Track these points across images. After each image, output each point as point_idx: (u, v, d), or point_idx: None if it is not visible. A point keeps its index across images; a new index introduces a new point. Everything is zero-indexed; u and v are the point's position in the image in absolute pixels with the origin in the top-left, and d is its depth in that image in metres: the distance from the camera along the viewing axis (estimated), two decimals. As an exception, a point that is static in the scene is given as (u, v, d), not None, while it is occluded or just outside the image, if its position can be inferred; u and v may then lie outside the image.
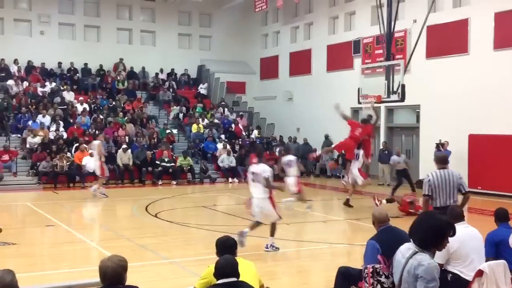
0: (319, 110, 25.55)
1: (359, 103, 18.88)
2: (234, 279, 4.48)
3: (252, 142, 24.87)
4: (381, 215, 5.80)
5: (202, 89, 29.36)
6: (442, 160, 8.04)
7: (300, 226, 12.80)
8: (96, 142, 17.50)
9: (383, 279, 4.83)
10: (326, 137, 24.89)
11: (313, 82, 26.45)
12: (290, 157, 14.58)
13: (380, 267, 4.88)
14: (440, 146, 19.08)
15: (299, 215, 14.44)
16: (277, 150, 23.85)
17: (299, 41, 27.86)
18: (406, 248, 4.31)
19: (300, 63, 27.36)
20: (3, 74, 25.24)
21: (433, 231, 4.19)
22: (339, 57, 24.93)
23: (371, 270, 4.92)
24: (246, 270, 4.98)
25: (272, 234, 9.71)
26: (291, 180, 14.29)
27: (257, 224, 9.66)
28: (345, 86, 23.45)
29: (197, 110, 26.93)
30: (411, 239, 4.31)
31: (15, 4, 26.89)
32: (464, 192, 7.80)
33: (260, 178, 9.42)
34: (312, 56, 26.76)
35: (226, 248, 5.22)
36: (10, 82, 24.69)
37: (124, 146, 21.49)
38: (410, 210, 13.49)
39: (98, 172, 17.19)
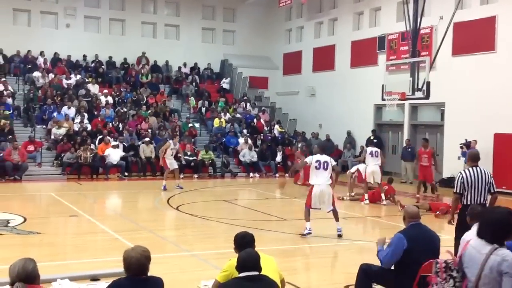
0: (341, 106, 25.43)
1: (383, 99, 18.75)
2: (256, 272, 4.51)
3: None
4: (413, 211, 5.95)
5: (225, 83, 29.40)
6: (474, 157, 7.86)
7: (321, 222, 12.76)
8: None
9: (454, 273, 4.86)
10: (348, 133, 24.78)
11: (336, 78, 26.30)
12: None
13: (451, 262, 4.90)
14: (465, 146, 18.63)
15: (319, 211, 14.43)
16: (299, 146, 23.79)
17: (323, 36, 27.71)
18: (480, 244, 4.37)
19: (324, 59, 27.21)
20: (30, 66, 25.58)
21: (502, 224, 4.28)
22: (363, 53, 24.74)
23: (443, 265, 4.94)
24: (267, 264, 5.00)
25: (337, 219, 10.55)
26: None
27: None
28: (369, 83, 23.28)
29: (219, 104, 26.99)
30: (481, 238, 4.38)
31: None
32: (493, 192, 7.66)
33: (328, 166, 10.39)
34: (336, 52, 26.59)
35: (244, 243, 5.25)
36: (36, 74, 25.02)
37: (147, 139, 21.66)
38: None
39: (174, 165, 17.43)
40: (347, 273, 7.57)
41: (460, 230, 6.70)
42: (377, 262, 5.95)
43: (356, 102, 24.61)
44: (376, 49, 23.87)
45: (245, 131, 24.97)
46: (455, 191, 7.61)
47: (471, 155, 8.03)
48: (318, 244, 10.38)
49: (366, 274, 5.85)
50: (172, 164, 17.38)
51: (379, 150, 15.84)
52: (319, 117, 26.86)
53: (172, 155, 17.31)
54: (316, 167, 10.40)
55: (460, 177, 7.56)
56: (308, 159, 10.66)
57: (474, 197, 7.49)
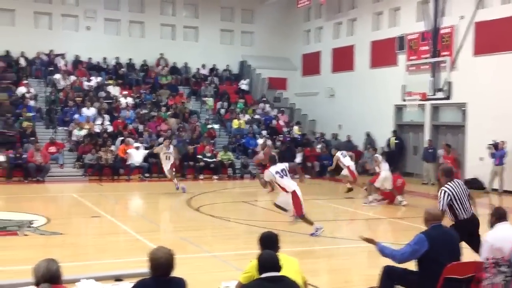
0: (361, 107, 25.30)
1: (404, 100, 18.63)
2: (277, 273, 4.52)
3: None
4: (435, 213, 5.97)
5: (244, 84, 29.44)
6: (449, 173, 7.60)
7: (342, 224, 12.74)
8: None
9: (504, 269, 4.96)
10: (368, 134, 24.64)
11: (355, 78, 26.18)
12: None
13: (500, 258, 5.00)
14: (493, 147, 18.36)
15: (341, 212, 14.40)
16: (319, 146, 23.73)
17: (342, 37, 27.61)
18: None
19: (343, 59, 27.12)
20: (51, 69, 25.90)
21: None
22: (382, 54, 24.59)
23: (492, 261, 5.04)
24: (289, 266, 5.01)
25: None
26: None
27: None
28: (389, 83, 23.14)
29: (238, 105, 27.05)
30: None
31: (62, 0, 27.53)
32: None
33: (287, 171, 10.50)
34: (355, 52, 26.48)
35: (270, 243, 5.25)
36: (58, 76, 25.33)
37: (165, 140, 21.72)
38: None
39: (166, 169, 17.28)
40: (367, 275, 7.53)
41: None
42: (399, 264, 5.92)
43: (376, 102, 24.47)
44: (396, 49, 23.71)
45: (264, 132, 24.98)
46: (441, 208, 7.11)
47: (446, 171, 7.69)
48: (337, 246, 10.35)
49: (389, 276, 5.82)
50: (165, 167, 17.13)
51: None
52: (339, 118, 26.76)
53: (167, 159, 16.98)
54: (280, 177, 10.37)
55: (447, 194, 7.22)
56: (268, 176, 10.53)
57: (465, 209, 7.32)
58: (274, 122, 26.34)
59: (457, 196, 7.25)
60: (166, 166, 17.05)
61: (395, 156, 22.15)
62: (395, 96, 22.34)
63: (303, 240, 10.32)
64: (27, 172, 19.10)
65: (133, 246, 9.84)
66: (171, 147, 17.65)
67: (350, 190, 16.56)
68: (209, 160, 21.64)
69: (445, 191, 7.24)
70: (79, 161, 20.60)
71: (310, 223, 10.50)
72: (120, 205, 15.60)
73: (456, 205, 7.24)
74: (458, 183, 7.47)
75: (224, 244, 10.20)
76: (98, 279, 6.81)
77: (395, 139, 22.39)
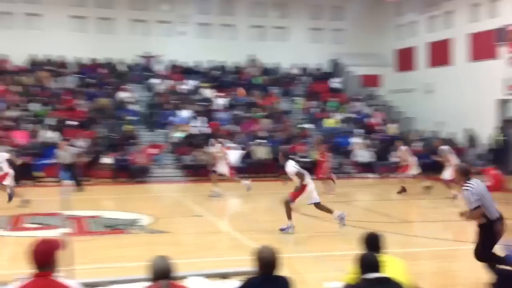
0: (461, 102, 24.29)
1: (507, 94, 17.72)
2: (382, 274, 4.48)
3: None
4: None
5: (336, 83, 29.20)
6: (466, 172, 7.15)
7: (444, 225, 12.33)
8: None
9: None
10: (469, 131, 23.59)
11: (453, 73, 25.20)
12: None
13: None
14: None
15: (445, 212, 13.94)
16: (418, 144, 23.05)
17: (437, 30, 26.66)
18: None
19: (439, 53, 26.20)
20: (149, 73, 27.05)
21: None
22: (482, 46, 23.50)
23: None
24: (395, 267, 4.95)
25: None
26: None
27: None
28: (490, 77, 22.10)
29: (330, 104, 26.86)
30: None
31: (158, 6, 28.68)
32: None
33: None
34: (452, 46, 25.50)
35: (374, 244, 5.22)
36: (155, 80, 26.39)
37: (260, 140, 22.06)
38: None
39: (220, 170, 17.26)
40: (475, 278, 7.26)
41: (491, 242, 6.70)
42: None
43: (476, 97, 23.40)
44: (496, 42, 22.56)
45: (358, 130, 24.63)
46: (474, 207, 6.75)
47: (462, 170, 7.18)
48: (442, 248, 10.00)
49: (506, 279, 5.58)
50: (221, 168, 16.88)
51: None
52: (438, 114, 25.79)
53: (223, 159, 16.87)
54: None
55: (471, 193, 6.78)
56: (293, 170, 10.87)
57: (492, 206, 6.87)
58: (368, 120, 25.89)
59: None
60: (222, 166, 16.91)
61: (503, 153, 21.04)
62: (497, 90, 21.29)
63: (404, 242, 10.10)
64: (130, 173, 20.05)
65: (234, 244, 10.05)
66: (220, 147, 17.55)
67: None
68: (301, 160, 21.62)
69: None
70: (178, 162, 21.33)
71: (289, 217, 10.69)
72: (220, 205, 15.93)
73: None
74: None
75: (325, 244, 10.15)
76: (206, 276, 6.99)
77: (503, 136, 21.27)
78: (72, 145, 18.87)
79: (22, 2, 26.59)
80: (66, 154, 17.39)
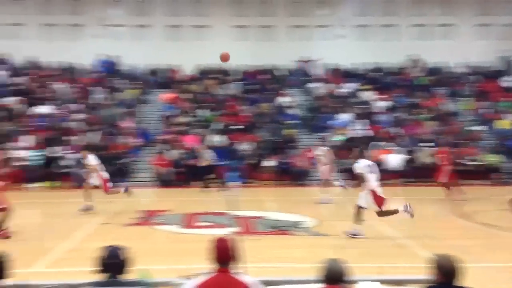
0: None
1: None
2: None
3: None
4: None
5: (508, 81, 27.03)
6: None
7: None
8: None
9: None
10: None
11: None
12: None
13: None
14: None
15: None
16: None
17: None
18: None
19: None
20: (307, 78, 27.34)
21: None
22: None
23: None
24: None
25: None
26: None
27: None
28: None
29: (502, 104, 24.92)
30: None
31: (317, 11, 28.90)
32: None
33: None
34: None
35: None
36: (314, 84, 26.58)
37: (425, 143, 21.17)
38: None
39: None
40: None
41: None
42: None
43: None
44: None
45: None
46: None
47: None
48: None
49: None
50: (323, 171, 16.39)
51: None
52: None
53: (328, 163, 16.37)
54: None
55: None
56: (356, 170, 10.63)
57: None
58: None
59: None
60: (323, 169, 16.51)
61: None
62: None
63: None
64: (292, 175, 20.40)
65: (400, 251, 9.68)
66: (324, 149, 16.96)
67: None
68: (471, 163, 20.34)
69: None
70: (339, 166, 21.18)
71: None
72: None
73: None
74: None
75: (496, 255, 9.38)
76: (380, 282, 6.79)
77: None
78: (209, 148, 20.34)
79: (190, 15, 28.50)
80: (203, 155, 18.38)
